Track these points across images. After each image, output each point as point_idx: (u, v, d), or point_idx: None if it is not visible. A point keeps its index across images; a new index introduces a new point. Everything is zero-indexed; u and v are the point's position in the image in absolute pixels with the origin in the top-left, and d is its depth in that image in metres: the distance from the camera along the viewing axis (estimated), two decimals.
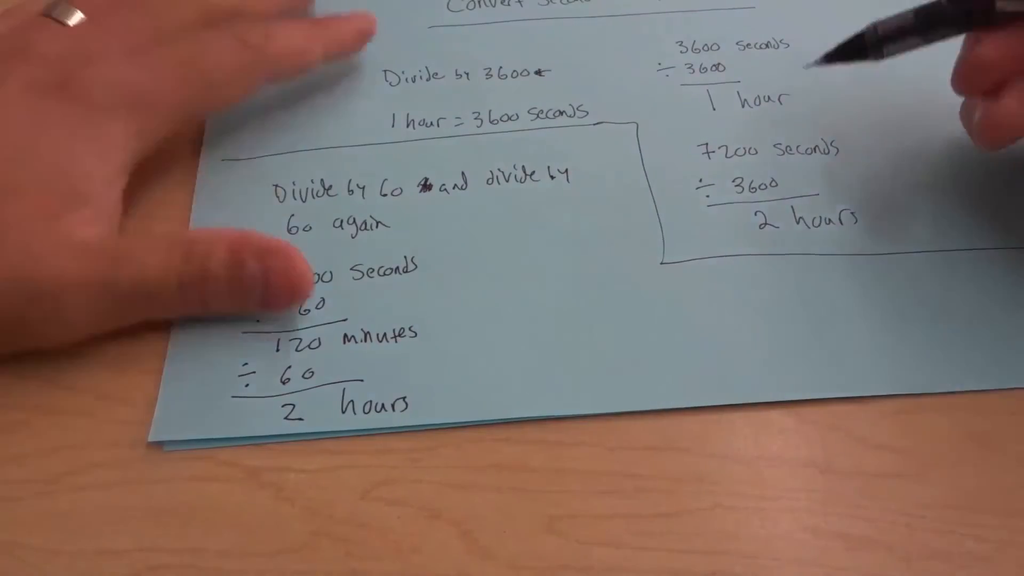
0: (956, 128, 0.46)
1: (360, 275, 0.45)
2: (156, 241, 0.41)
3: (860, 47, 0.44)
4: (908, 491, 0.38)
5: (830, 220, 0.47)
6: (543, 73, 0.54)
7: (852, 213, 0.47)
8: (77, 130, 0.42)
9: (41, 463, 0.39)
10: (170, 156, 0.50)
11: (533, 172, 0.49)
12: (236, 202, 0.48)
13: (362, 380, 0.42)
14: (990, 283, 0.44)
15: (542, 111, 0.52)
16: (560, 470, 0.39)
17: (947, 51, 0.43)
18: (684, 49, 0.56)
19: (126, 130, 0.43)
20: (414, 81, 0.54)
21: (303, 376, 0.42)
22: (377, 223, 0.47)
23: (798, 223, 0.47)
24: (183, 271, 0.40)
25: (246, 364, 0.42)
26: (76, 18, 0.45)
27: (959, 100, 0.45)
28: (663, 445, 0.40)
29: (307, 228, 0.47)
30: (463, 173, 0.49)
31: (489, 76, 0.54)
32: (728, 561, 0.37)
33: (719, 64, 0.55)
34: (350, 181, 0.49)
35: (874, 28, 0.43)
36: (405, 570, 0.37)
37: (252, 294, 0.41)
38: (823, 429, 0.40)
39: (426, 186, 0.49)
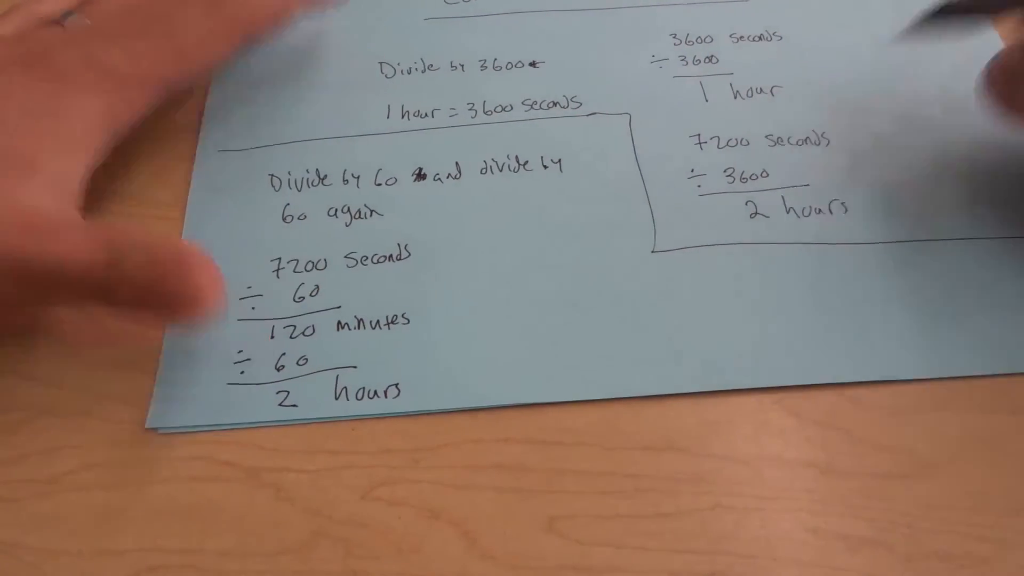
0: (947, 120, 0.46)
1: (354, 263, 0.44)
2: (77, 223, 0.38)
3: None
4: (908, 491, 0.37)
5: (820, 210, 0.46)
6: (537, 65, 0.53)
7: (842, 204, 0.46)
8: (38, 102, 0.40)
9: (41, 463, 0.38)
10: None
11: (527, 162, 0.48)
12: (232, 191, 0.47)
13: (355, 367, 0.41)
14: (980, 271, 0.44)
15: (536, 102, 0.51)
16: (560, 470, 0.38)
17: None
18: (677, 41, 0.54)
19: (95, 106, 0.41)
20: (409, 73, 0.53)
21: (297, 363, 0.41)
22: (371, 212, 0.46)
23: (788, 213, 0.46)
24: (102, 251, 0.36)
25: (241, 351, 0.41)
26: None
27: (953, 93, 0.44)
28: (663, 445, 0.38)
29: (302, 217, 0.46)
30: (457, 163, 0.48)
31: (484, 68, 0.53)
32: (728, 561, 0.36)
33: (712, 56, 0.53)
34: (345, 171, 0.48)
35: None
36: (405, 570, 0.36)
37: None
38: (823, 429, 0.39)
39: (420, 176, 0.48)
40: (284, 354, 0.41)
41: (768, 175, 0.47)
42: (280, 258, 0.44)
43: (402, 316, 0.42)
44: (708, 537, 0.36)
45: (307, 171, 0.48)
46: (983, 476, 0.38)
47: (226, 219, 0.46)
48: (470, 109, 0.51)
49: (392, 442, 0.39)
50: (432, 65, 0.53)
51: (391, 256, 0.44)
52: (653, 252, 0.44)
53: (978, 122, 0.47)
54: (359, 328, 0.42)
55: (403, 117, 0.51)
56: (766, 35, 0.54)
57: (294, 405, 0.40)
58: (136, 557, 0.36)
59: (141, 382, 0.40)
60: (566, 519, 0.37)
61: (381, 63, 0.53)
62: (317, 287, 0.43)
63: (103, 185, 0.45)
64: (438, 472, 0.38)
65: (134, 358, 0.40)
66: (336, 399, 0.40)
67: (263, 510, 0.37)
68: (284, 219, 0.46)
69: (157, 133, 0.48)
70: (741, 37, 0.54)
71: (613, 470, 0.38)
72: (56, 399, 0.40)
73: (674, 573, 0.35)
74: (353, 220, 0.46)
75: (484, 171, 0.48)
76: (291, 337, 0.42)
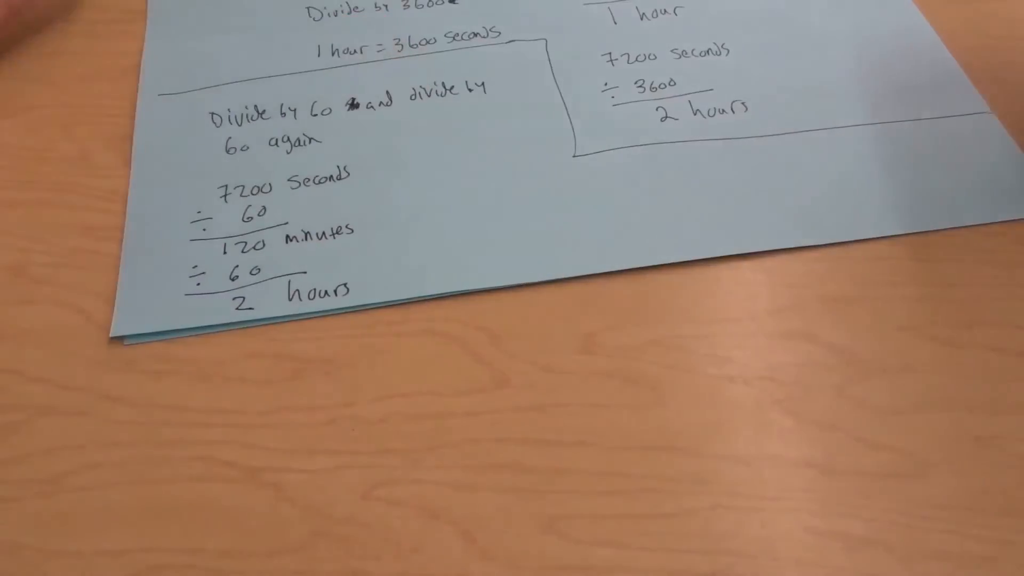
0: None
1: (297, 185, 0.48)
2: None
3: None
4: (908, 491, 0.37)
5: (723, 110, 0.50)
6: (456, 1, 0.56)
7: (742, 103, 0.50)
8: None
9: (41, 463, 0.38)
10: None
11: (452, 87, 0.51)
12: (175, 130, 0.50)
13: (305, 272, 0.44)
14: (861, 152, 0.47)
15: (458, 34, 0.54)
16: (560, 470, 0.37)
17: None
18: None
19: None
20: (336, 15, 0.56)
21: (250, 273, 0.44)
22: (310, 139, 0.49)
23: (695, 115, 0.50)
24: None
25: (196, 267, 0.44)
26: None
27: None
28: (663, 445, 0.38)
29: (244, 148, 0.49)
30: (388, 91, 0.52)
31: (407, 7, 0.56)
32: (728, 561, 0.35)
33: None
34: (282, 105, 0.51)
35: None
36: (405, 570, 0.35)
37: None
38: (823, 429, 0.38)
39: (353, 105, 0.51)
40: (237, 266, 0.44)
41: (675, 83, 0.51)
42: (227, 185, 0.47)
43: (346, 227, 0.45)
44: (708, 537, 0.36)
45: (245, 107, 0.50)
46: (983, 476, 0.37)
47: (171, 156, 0.48)
48: (396, 44, 0.54)
49: (392, 442, 0.38)
50: (357, 7, 0.56)
51: (331, 177, 0.47)
52: (575, 157, 0.48)
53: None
54: (307, 240, 0.45)
55: (333, 55, 0.53)
56: None
57: (251, 308, 0.42)
58: (136, 557, 0.35)
59: (142, 382, 0.40)
60: (566, 519, 0.36)
61: (308, 8, 0.56)
62: (264, 207, 0.46)
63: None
64: (438, 472, 0.37)
65: (135, 357, 0.40)
66: (289, 300, 0.43)
67: (263, 510, 0.37)
68: (227, 151, 0.48)
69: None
70: None
71: (613, 470, 0.37)
72: (56, 399, 0.39)
73: (674, 573, 0.35)
74: (293, 148, 0.49)
75: (413, 97, 0.51)
76: (243, 251, 0.44)
